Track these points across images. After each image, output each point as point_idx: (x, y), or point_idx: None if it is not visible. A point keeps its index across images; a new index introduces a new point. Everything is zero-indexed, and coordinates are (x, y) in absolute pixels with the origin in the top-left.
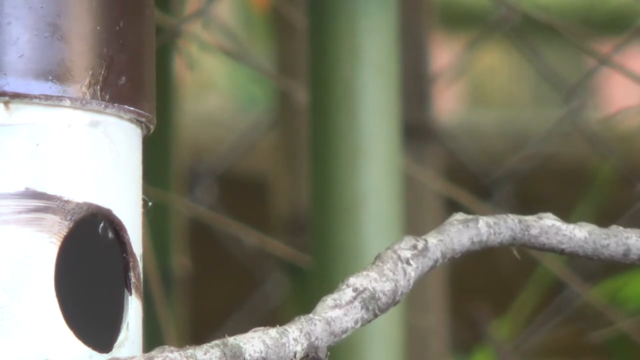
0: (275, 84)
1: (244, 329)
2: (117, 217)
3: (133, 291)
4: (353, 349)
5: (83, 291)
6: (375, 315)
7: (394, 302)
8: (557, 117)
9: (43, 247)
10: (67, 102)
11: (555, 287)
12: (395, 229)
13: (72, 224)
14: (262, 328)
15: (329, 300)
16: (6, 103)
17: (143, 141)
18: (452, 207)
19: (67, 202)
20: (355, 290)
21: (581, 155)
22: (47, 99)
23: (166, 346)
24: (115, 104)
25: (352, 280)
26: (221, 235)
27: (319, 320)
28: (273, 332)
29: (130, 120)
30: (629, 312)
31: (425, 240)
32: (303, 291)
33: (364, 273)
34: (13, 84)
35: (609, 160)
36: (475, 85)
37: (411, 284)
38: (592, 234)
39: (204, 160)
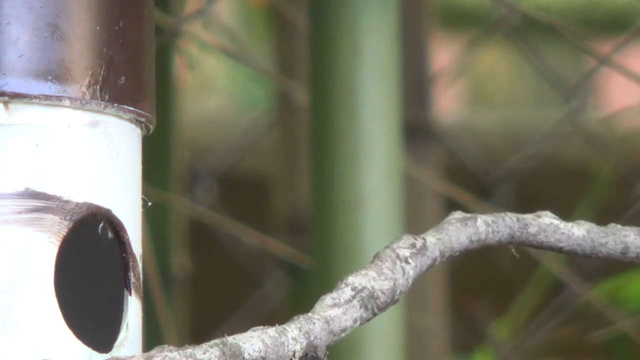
0: (275, 84)
1: (244, 329)
2: (116, 217)
3: (133, 291)
4: (353, 349)
5: (83, 291)
6: (374, 314)
7: (393, 301)
8: (557, 117)
9: (43, 247)
10: (67, 102)
11: (555, 287)
12: (396, 228)
13: (71, 224)
14: (261, 327)
15: (327, 299)
16: (6, 103)
17: (143, 141)
18: (452, 207)
19: (66, 202)
20: (354, 289)
21: (581, 155)
22: (46, 99)
23: (165, 346)
24: (115, 104)
25: (350, 279)
26: (221, 235)
27: (318, 319)
28: (272, 331)
29: (130, 120)
30: (629, 312)
31: (424, 239)
32: (303, 291)
33: (363, 272)
34: (13, 84)
35: (609, 160)
36: (475, 85)
37: (410, 282)
38: (590, 232)
39: (204, 160)
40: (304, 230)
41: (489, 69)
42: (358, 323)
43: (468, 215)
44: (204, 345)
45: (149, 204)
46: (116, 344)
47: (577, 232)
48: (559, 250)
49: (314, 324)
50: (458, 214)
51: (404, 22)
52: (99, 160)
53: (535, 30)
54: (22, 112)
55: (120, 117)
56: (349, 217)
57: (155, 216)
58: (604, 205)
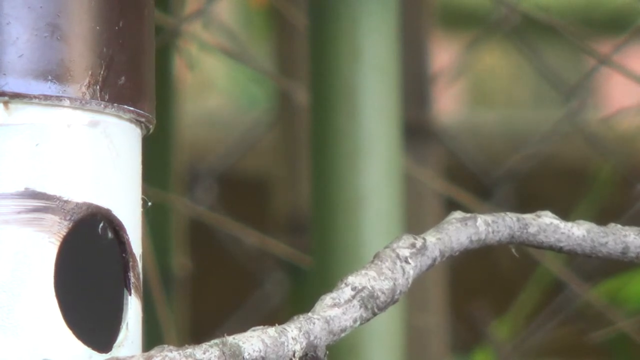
0: (275, 84)
1: (244, 329)
2: (116, 217)
3: (132, 291)
4: (353, 349)
5: (83, 291)
6: (374, 314)
7: (393, 301)
8: (557, 117)
9: (43, 247)
10: (67, 102)
11: (555, 287)
12: (396, 228)
13: (71, 224)
14: (261, 327)
15: (327, 299)
16: (6, 103)
17: (143, 141)
18: (452, 207)
19: (66, 202)
20: (354, 289)
21: (581, 155)
22: (46, 99)
23: (165, 345)
24: (115, 104)
25: (350, 279)
26: (221, 235)
27: (318, 319)
28: (272, 331)
29: (130, 120)
30: (629, 312)
31: (424, 239)
32: (303, 291)
33: (363, 272)
34: (12, 84)
35: (609, 160)
36: (475, 85)
37: (410, 282)
38: (590, 232)
39: (204, 160)
40: (304, 230)
41: (489, 69)
42: (358, 323)
43: (468, 215)
44: (204, 345)
45: (149, 204)
46: (116, 344)
47: (577, 232)
48: (559, 250)
49: (314, 323)
50: (458, 214)
51: (404, 22)
52: (99, 160)
53: (535, 30)
54: (22, 112)
55: (120, 117)
56: (349, 217)
57: (155, 216)
58: (604, 205)
